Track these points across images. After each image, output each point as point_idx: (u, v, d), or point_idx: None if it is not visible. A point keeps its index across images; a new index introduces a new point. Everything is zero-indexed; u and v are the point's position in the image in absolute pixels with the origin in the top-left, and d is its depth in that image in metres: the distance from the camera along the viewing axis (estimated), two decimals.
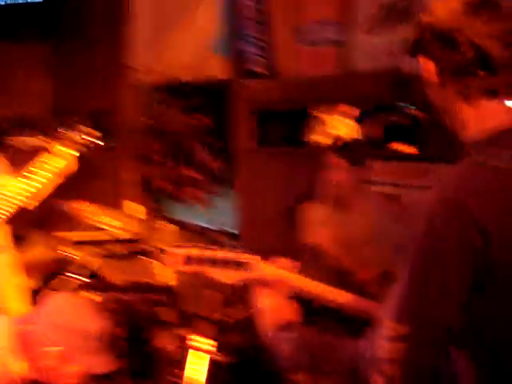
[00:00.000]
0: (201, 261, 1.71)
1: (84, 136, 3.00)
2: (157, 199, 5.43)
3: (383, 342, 1.27)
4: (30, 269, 3.31)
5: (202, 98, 5.19)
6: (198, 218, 5.23)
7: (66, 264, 3.37)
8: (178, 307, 3.18)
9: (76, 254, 3.35)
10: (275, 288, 1.64)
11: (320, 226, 3.36)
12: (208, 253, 1.72)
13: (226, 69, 4.57)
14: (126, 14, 5.26)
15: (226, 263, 1.70)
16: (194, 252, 1.72)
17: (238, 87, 4.43)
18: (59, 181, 2.93)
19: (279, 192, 4.18)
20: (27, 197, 2.64)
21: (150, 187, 5.38)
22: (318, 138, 5.47)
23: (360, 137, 5.50)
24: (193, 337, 1.52)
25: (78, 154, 2.98)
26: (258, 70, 4.33)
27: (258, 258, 1.69)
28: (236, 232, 4.69)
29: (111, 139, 5.54)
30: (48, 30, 5.30)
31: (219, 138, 5.04)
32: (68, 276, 3.22)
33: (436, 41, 1.33)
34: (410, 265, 1.28)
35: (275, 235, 4.16)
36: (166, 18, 5.02)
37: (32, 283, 3.44)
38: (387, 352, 1.26)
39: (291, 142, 4.96)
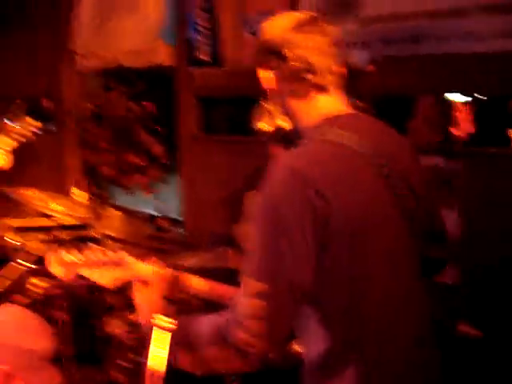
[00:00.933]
0: (75, 265, 1.78)
1: (24, 124, 2.97)
2: (101, 185, 5.41)
3: (244, 299, 1.38)
4: None
5: (146, 84, 5.18)
6: (142, 204, 5.24)
7: (11, 251, 3.34)
8: (125, 292, 3.21)
9: (21, 241, 3.32)
10: (150, 284, 1.75)
11: None
12: (84, 256, 1.79)
13: (172, 56, 4.58)
14: None
15: (102, 264, 1.79)
16: (67, 256, 1.79)
17: (183, 74, 4.45)
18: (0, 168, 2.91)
19: (224, 179, 4.23)
20: None
21: (94, 173, 5.34)
22: (263, 125, 5.55)
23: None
24: (155, 315, 1.57)
25: (18, 142, 2.96)
26: (204, 57, 4.35)
27: (132, 258, 1.83)
28: (180, 219, 4.72)
29: (54, 125, 5.49)
30: None
31: (164, 124, 5.04)
32: (14, 263, 3.20)
33: (270, 55, 1.62)
34: (259, 226, 1.44)
35: (219, 222, 4.20)
36: (111, 2, 4.98)
37: None
38: (249, 308, 1.36)
39: (236, 129, 5.00)
